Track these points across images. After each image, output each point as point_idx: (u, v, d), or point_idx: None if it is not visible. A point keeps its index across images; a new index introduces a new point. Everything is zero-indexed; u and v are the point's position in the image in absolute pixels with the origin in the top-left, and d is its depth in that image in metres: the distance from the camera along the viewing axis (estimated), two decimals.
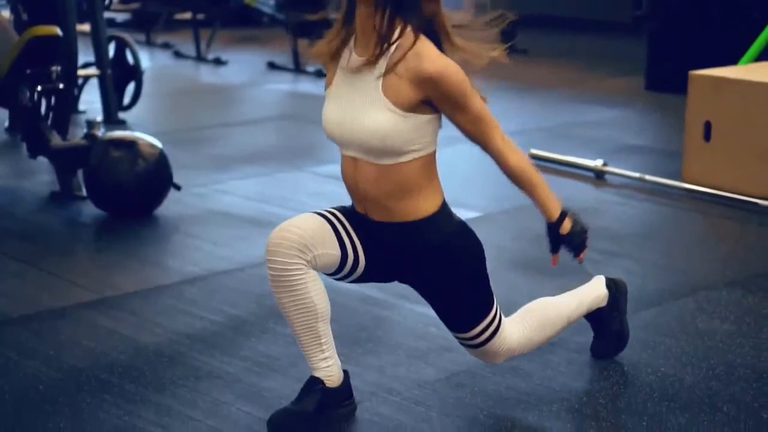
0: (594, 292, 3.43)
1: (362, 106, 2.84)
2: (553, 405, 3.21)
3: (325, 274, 3.01)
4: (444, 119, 2.94)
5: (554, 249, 3.11)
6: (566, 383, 3.36)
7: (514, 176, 2.99)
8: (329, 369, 3.03)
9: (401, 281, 3.10)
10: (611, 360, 3.50)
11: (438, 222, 2.96)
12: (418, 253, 2.98)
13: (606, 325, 3.47)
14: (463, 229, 3.03)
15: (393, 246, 2.99)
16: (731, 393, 3.28)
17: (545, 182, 3.05)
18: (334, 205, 3.08)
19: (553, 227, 3.08)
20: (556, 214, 3.06)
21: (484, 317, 3.09)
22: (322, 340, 3.00)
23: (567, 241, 3.09)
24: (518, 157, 2.98)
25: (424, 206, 2.94)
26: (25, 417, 3.10)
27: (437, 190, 2.97)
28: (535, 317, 3.27)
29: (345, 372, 3.10)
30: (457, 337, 3.17)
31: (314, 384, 3.03)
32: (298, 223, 2.92)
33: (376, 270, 3.04)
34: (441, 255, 2.98)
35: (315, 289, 2.93)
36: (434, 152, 2.94)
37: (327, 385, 3.03)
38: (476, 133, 2.93)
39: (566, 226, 3.08)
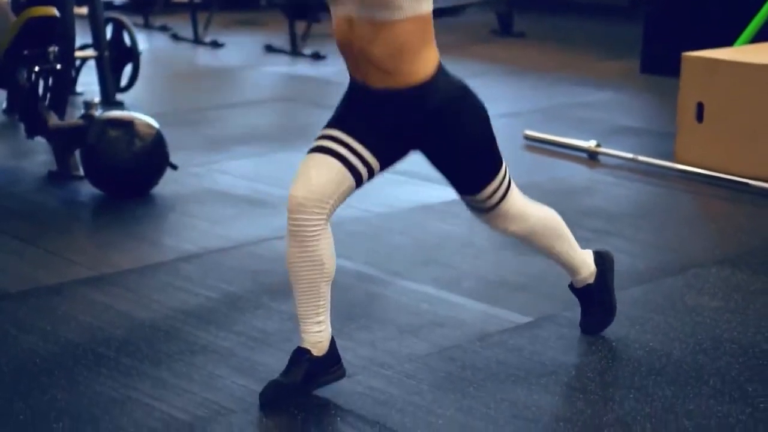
0: (584, 258, 3.48)
1: None
2: (542, 378, 3.26)
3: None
4: None
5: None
6: (556, 357, 3.41)
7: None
8: (320, 335, 3.08)
9: (416, 149, 3.12)
10: (600, 335, 3.55)
11: (439, 83, 2.99)
12: (424, 118, 3.01)
13: (594, 301, 3.52)
14: (465, 89, 3.06)
15: (398, 118, 3.02)
16: (717, 367, 3.34)
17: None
18: (334, 119, 3.08)
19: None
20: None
21: (494, 176, 3.15)
22: (320, 302, 3.06)
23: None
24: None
25: (422, 68, 2.96)
26: (22, 389, 3.16)
27: (434, 52, 2.99)
28: (546, 217, 3.38)
29: (332, 338, 3.14)
30: (469, 203, 3.24)
31: (301, 355, 3.08)
32: (313, 176, 2.99)
33: (390, 156, 3.09)
34: (446, 115, 3.01)
35: (326, 248, 3.03)
36: (429, 15, 2.95)
37: (314, 354, 3.08)
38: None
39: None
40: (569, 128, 6.45)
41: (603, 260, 3.54)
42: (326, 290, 3.07)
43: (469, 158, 3.12)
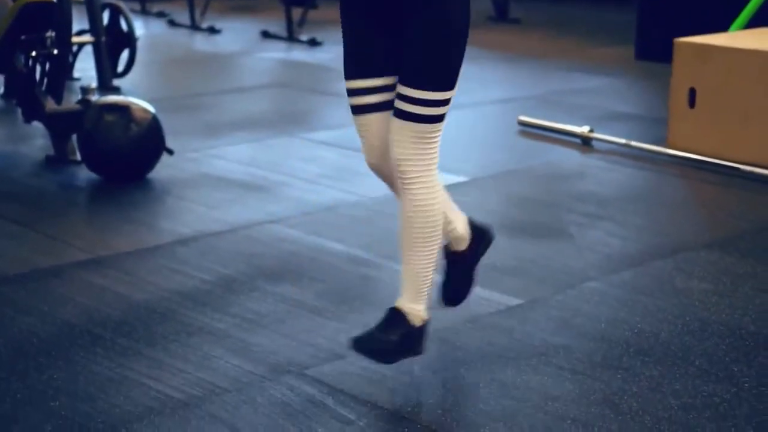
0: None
1: None
2: (531, 359, 3.32)
3: None
4: None
5: None
6: (545, 339, 3.46)
7: None
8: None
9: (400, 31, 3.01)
10: (589, 317, 3.61)
11: None
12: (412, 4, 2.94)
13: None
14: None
15: (389, 6, 2.97)
16: (704, 348, 3.39)
17: None
18: (349, 70, 3.06)
19: None
20: None
21: (441, 88, 2.96)
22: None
23: None
24: None
25: None
26: (20, 369, 3.21)
27: None
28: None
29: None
30: (400, 97, 2.98)
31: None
32: (372, 140, 3.08)
33: (397, 54, 3.00)
34: (433, 3, 2.92)
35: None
36: None
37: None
38: None
39: None
40: (563, 114, 6.49)
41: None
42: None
43: (430, 48, 2.93)
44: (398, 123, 2.99)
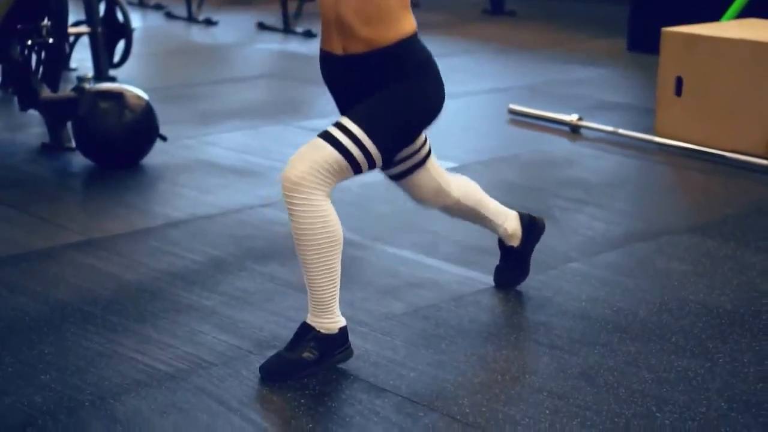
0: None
1: None
2: (511, 336, 3.40)
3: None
4: None
5: None
6: (526, 316, 3.55)
7: None
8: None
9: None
10: (570, 296, 3.68)
11: (413, 47, 3.07)
12: (385, 76, 3.05)
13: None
14: (430, 64, 3.10)
15: (369, 78, 3.07)
16: (681, 325, 3.47)
17: None
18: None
19: None
20: None
21: (373, 135, 3.03)
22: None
23: None
24: None
25: (397, 33, 3.03)
26: (12, 345, 3.29)
27: (410, 20, 3.06)
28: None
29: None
30: (335, 125, 3.07)
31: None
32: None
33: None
34: (400, 70, 3.05)
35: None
36: None
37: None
38: None
39: None
40: (554, 103, 6.57)
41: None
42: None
43: (389, 94, 3.05)
44: (314, 141, 3.03)
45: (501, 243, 3.72)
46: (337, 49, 3.10)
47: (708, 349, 3.30)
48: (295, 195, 2.98)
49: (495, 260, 4.02)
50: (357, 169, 3.06)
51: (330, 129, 3.05)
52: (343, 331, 3.14)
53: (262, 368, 3.10)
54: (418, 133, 3.26)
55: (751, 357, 3.24)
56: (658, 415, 2.90)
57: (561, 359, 3.23)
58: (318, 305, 3.10)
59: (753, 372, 3.15)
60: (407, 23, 3.07)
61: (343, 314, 3.47)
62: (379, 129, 3.05)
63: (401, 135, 3.15)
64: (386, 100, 3.06)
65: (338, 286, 3.10)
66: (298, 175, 2.98)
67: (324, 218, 3.01)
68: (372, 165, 3.08)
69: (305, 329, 3.12)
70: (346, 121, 3.04)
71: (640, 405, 2.95)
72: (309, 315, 3.12)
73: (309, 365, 3.09)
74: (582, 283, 3.80)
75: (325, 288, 3.07)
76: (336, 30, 3.08)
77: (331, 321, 3.11)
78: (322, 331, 3.10)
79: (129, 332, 3.39)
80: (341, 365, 3.15)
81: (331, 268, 3.05)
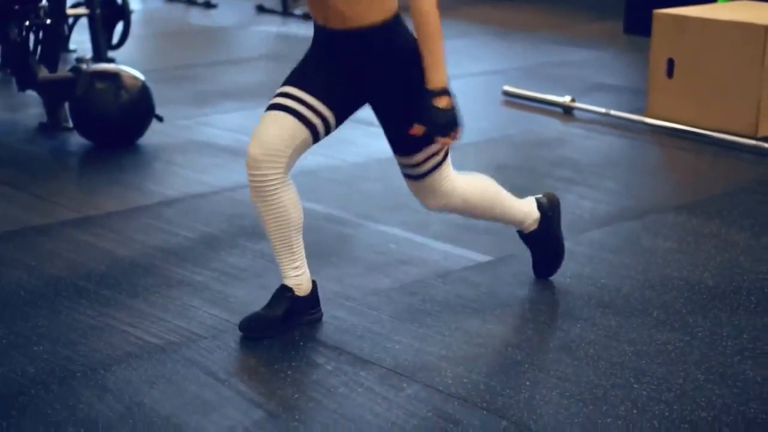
0: (526, 207, 3.59)
1: None
2: (496, 310, 3.46)
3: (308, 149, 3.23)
4: None
5: (420, 120, 3.14)
6: (512, 292, 3.61)
7: (416, 22, 3.10)
8: (299, 278, 3.28)
9: (366, 101, 3.24)
10: (555, 274, 3.75)
11: (395, 30, 3.13)
12: (372, 60, 3.13)
13: (542, 245, 3.66)
14: (417, 45, 3.14)
15: (349, 58, 3.15)
16: (663, 301, 3.54)
17: (443, 50, 3.12)
18: (290, 77, 3.24)
19: (429, 95, 3.10)
20: (439, 85, 3.12)
21: (429, 142, 3.19)
22: (294, 250, 3.25)
23: (436, 115, 3.10)
24: (431, 5, 3.09)
25: (377, 12, 3.09)
26: (6, 317, 3.36)
27: (392, 1, 3.12)
28: (479, 184, 3.44)
29: (313, 282, 3.34)
30: (402, 166, 3.30)
31: (284, 292, 3.28)
32: (269, 132, 3.14)
33: (344, 106, 3.22)
34: (397, 63, 3.13)
35: (290, 200, 3.19)
36: None
37: (296, 293, 3.28)
38: None
39: (443, 101, 3.11)
40: (548, 85, 6.62)
41: (548, 205, 3.65)
42: (298, 238, 3.24)
43: (408, 113, 3.16)
44: (417, 186, 3.34)
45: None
46: (321, 21, 3.17)
47: (688, 323, 3.37)
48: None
49: (483, 237, 4.10)
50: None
51: (408, 173, 3.31)
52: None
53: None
54: None
55: (730, 330, 3.31)
56: (635, 386, 2.96)
57: (543, 333, 3.30)
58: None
59: (731, 345, 3.21)
60: (388, 5, 3.12)
61: (330, 288, 3.56)
62: (422, 136, 3.17)
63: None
64: (408, 103, 3.15)
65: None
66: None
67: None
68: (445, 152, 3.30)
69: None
70: (407, 158, 3.26)
71: (619, 377, 3.02)
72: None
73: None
74: (567, 260, 3.84)
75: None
76: (318, 6, 3.15)
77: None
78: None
79: (121, 306, 3.46)
80: (328, 339, 3.23)
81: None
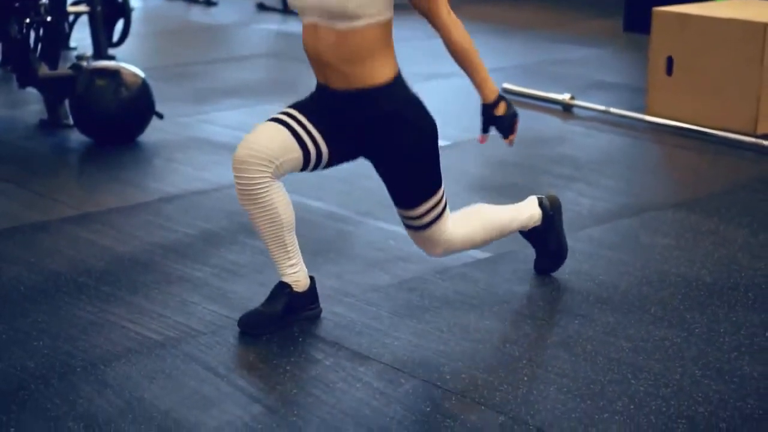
0: (527, 210, 3.62)
1: None
2: (494, 306, 3.47)
3: (295, 172, 3.24)
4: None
5: (485, 129, 3.31)
6: (510, 289, 3.62)
7: (455, 53, 3.18)
8: (296, 275, 3.29)
9: (364, 155, 3.28)
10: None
11: (393, 91, 3.16)
12: (373, 120, 3.16)
13: (544, 242, 3.68)
14: (417, 103, 3.21)
15: (351, 116, 3.17)
16: (660, 297, 3.55)
17: (484, 66, 3.24)
18: (296, 103, 3.26)
19: (487, 108, 3.27)
20: (492, 96, 3.25)
21: (431, 195, 3.27)
22: (289, 248, 3.26)
23: (499, 122, 3.28)
24: (462, 34, 3.17)
25: (379, 73, 3.12)
26: (6, 313, 3.38)
27: (392, 60, 3.15)
28: (476, 219, 3.47)
29: (311, 278, 3.36)
30: (402, 217, 3.35)
31: (282, 288, 3.29)
32: (260, 137, 3.15)
33: (340, 150, 3.24)
34: (394, 123, 3.17)
35: (280, 201, 3.19)
36: (389, 22, 3.11)
37: (294, 289, 3.29)
38: (424, 4, 3.13)
39: (500, 108, 3.27)
40: (548, 83, 6.63)
41: (550, 203, 3.68)
42: (291, 238, 3.25)
43: (410, 171, 3.24)
44: (417, 236, 3.37)
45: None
46: (322, 80, 3.20)
47: (685, 319, 3.38)
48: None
49: None
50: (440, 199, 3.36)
51: (408, 224, 3.36)
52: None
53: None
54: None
55: (727, 327, 3.32)
56: (633, 381, 2.98)
57: (541, 329, 3.32)
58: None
59: (728, 341, 3.23)
60: (388, 68, 3.13)
61: (330, 285, 3.57)
62: (422, 192, 3.27)
63: (435, 168, 3.29)
64: (407, 162, 3.23)
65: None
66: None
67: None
68: (444, 204, 3.37)
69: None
70: (409, 212, 3.31)
71: (616, 372, 3.03)
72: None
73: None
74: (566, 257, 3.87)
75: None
76: (317, 65, 3.18)
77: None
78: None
79: (121, 302, 3.47)
80: (327, 335, 3.24)
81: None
